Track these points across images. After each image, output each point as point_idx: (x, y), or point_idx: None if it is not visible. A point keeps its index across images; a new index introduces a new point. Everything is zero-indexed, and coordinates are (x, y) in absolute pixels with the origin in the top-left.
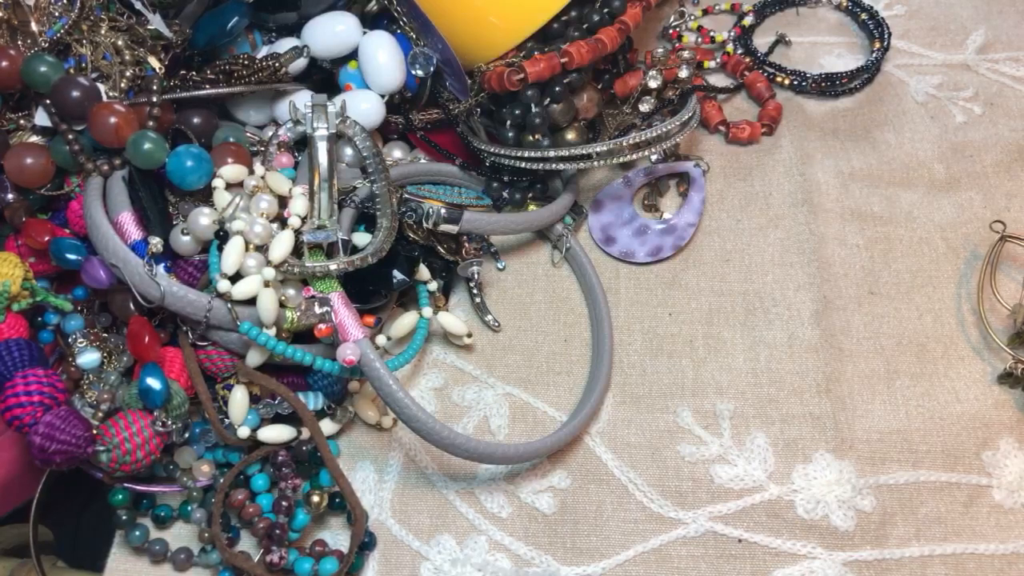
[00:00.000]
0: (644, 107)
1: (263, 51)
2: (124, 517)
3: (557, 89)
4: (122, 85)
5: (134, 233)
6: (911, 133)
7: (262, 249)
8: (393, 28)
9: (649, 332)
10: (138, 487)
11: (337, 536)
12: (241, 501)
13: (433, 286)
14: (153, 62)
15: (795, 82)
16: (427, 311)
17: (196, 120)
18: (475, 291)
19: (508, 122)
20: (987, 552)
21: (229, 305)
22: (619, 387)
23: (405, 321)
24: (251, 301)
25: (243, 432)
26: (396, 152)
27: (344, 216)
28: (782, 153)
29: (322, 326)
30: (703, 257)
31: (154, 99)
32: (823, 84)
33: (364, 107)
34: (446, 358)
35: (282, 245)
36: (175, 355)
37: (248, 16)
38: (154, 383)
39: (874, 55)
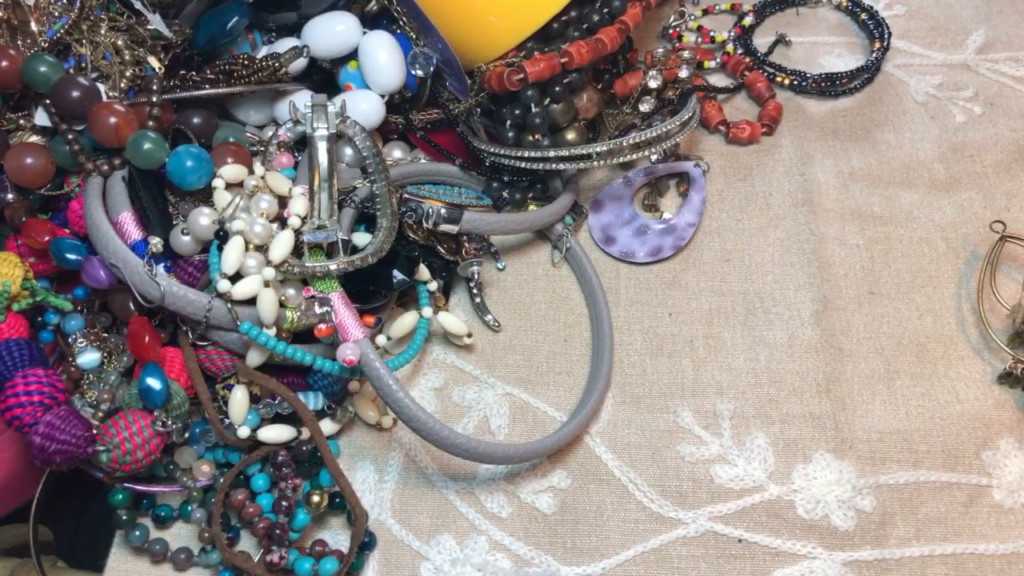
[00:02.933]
0: (644, 107)
1: (263, 51)
2: (124, 517)
3: (557, 89)
4: (122, 85)
5: (134, 233)
6: (911, 133)
7: (262, 249)
8: (393, 28)
9: (649, 332)
10: (138, 487)
11: (337, 536)
12: (241, 501)
13: (433, 286)
14: (153, 62)
15: (795, 82)
16: (427, 311)
17: (196, 120)
18: (475, 291)
19: (508, 122)
20: (987, 552)
21: (229, 305)
22: (619, 387)
23: (405, 321)
24: (251, 301)
25: (243, 432)
26: (396, 152)
27: (344, 216)
28: (782, 153)
29: (322, 326)
30: (703, 257)
31: (154, 99)
32: (823, 84)
33: (364, 107)
34: (446, 358)
35: (282, 245)
36: (175, 355)
37: (248, 16)
38: (154, 383)
39: (874, 55)
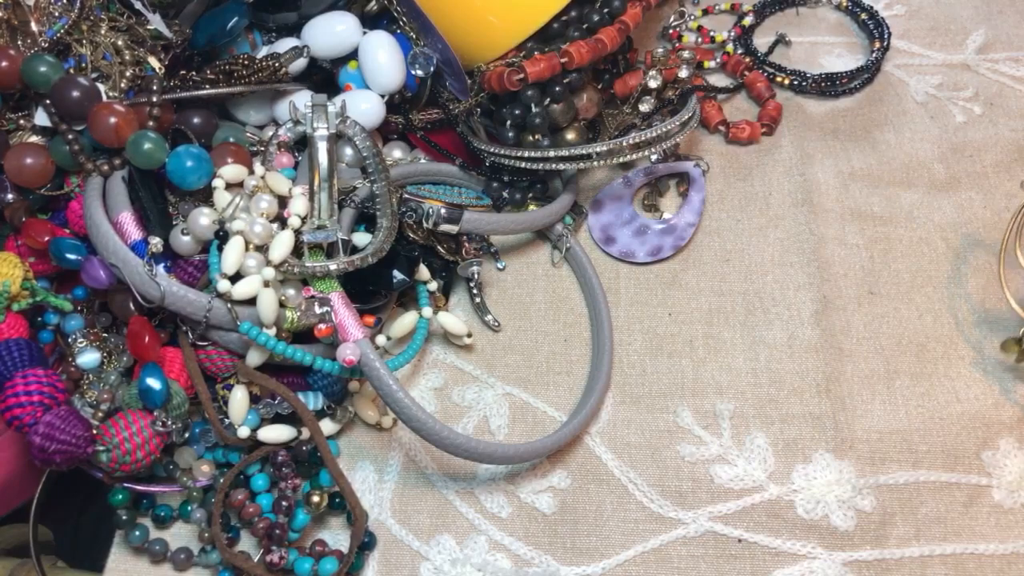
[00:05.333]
0: (644, 107)
1: (263, 51)
2: (124, 517)
3: (557, 89)
4: (122, 85)
5: (134, 233)
6: (911, 133)
7: (262, 249)
8: (393, 28)
9: (649, 332)
10: (138, 487)
11: (337, 536)
12: (241, 501)
13: (433, 286)
14: (153, 62)
15: (795, 82)
16: (427, 311)
17: (196, 120)
18: (475, 291)
19: (508, 122)
20: (987, 552)
21: (229, 305)
22: (619, 387)
23: (405, 321)
24: (251, 301)
25: (243, 432)
26: (396, 152)
27: (344, 216)
28: (782, 153)
29: (322, 326)
30: (703, 257)
31: (154, 99)
32: (823, 84)
33: (364, 107)
34: (446, 358)
35: (282, 245)
36: (175, 355)
37: (248, 16)
38: (154, 383)
39: (874, 55)
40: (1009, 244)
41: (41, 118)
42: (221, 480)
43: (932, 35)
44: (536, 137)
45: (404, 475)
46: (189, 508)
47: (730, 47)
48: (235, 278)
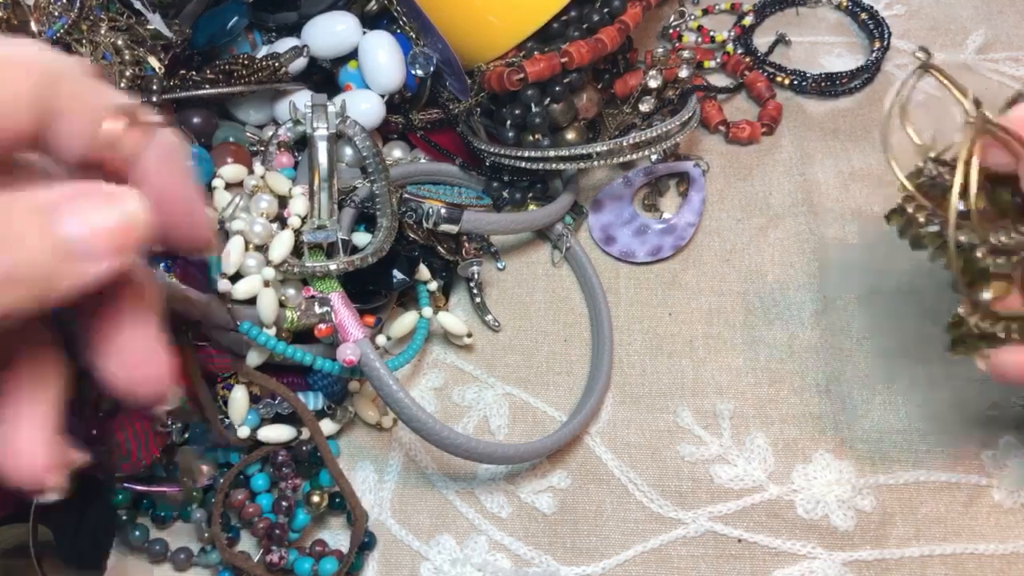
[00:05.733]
0: (644, 107)
1: (263, 51)
2: (124, 517)
3: (557, 89)
4: (122, 85)
5: None
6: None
7: (262, 249)
8: (393, 28)
9: (649, 332)
10: (138, 487)
11: (337, 536)
12: (241, 501)
13: (433, 286)
14: (153, 62)
15: (795, 82)
16: (427, 311)
17: (196, 120)
18: (475, 291)
19: (508, 122)
20: (987, 552)
21: (229, 305)
22: (619, 387)
23: (405, 321)
24: (251, 301)
25: (243, 432)
26: (396, 152)
27: (344, 216)
28: (782, 153)
29: (322, 326)
30: (703, 257)
31: (154, 99)
32: (823, 84)
33: (364, 107)
34: (446, 358)
35: (282, 245)
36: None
37: (248, 16)
38: None
39: (874, 55)
40: (893, 112)
41: None
42: (221, 480)
43: (932, 35)
44: (536, 137)
45: (404, 475)
46: (189, 508)
47: (730, 47)
48: (235, 278)
